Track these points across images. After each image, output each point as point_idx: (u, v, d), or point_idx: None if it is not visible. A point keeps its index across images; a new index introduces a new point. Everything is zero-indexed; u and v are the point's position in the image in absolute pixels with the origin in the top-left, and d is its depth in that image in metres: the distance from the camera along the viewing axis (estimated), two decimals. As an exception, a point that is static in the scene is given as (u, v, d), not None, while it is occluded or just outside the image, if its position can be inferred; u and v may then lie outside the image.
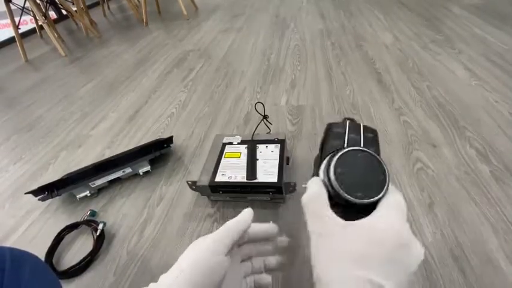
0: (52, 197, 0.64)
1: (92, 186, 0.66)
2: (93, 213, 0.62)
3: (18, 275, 0.31)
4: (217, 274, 0.23)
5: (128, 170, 0.68)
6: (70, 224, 0.59)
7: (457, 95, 0.82)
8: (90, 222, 0.59)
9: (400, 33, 1.25)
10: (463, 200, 0.54)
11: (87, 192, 0.66)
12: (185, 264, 0.22)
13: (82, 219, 0.60)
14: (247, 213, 0.27)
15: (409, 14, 1.44)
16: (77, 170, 0.67)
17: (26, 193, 0.63)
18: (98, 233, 0.56)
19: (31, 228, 0.64)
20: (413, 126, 0.73)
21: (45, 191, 0.64)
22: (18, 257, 0.33)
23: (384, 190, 0.24)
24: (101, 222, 0.58)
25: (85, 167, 0.67)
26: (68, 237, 0.59)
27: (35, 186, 0.64)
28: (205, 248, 0.23)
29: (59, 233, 0.58)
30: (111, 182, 0.69)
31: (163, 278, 0.23)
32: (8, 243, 0.60)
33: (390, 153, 0.66)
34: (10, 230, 0.64)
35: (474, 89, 0.84)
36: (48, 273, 0.36)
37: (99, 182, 0.66)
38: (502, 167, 0.59)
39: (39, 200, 0.63)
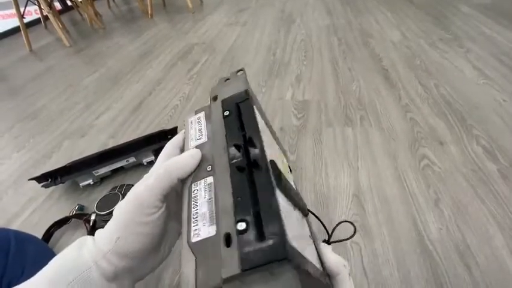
0: (55, 184, 0.63)
1: (96, 174, 0.66)
2: (82, 208, 0.61)
3: (22, 256, 0.31)
4: (156, 228, 0.19)
5: (132, 160, 0.68)
6: (59, 220, 0.58)
7: (464, 94, 0.81)
8: (81, 215, 0.58)
9: (408, 31, 1.24)
10: (469, 198, 0.54)
11: (91, 181, 0.66)
12: (116, 230, 0.19)
13: (71, 214, 0.59)
14: (191, 156, 0.19)
15: (417, 12, 1.43)
16: (81, 158, 0.67)
17: (29, 179, 0.63)
18: (91, 224, 0.55)
19: (34, 215, 0.64)
20: (420, 123, 0.73)
21: (49, 178, 0.64)
22: (23, 240, 0.33)
23: None
24: (92, 212, 0.57)
25: (89, 155, 0.67)
26: (59, 232, 0.58)
27: (38, 174, 0.64)
28: (134, 205, 0.19)
29: (48, 230, 0.56)
30: (115, 171, 0.69)
31: (99, 241, 0.19)
32: (11, 229, 0.60)
33: (396, 150, 0.66)
34: (13, 216, 0.64)
35: (482, 88, 0.83)
36: (51, 255, 0.36)
37: (103, 170, 0.66)
38: (509, 165, 0.59)
39: (42, 186, 0.63)
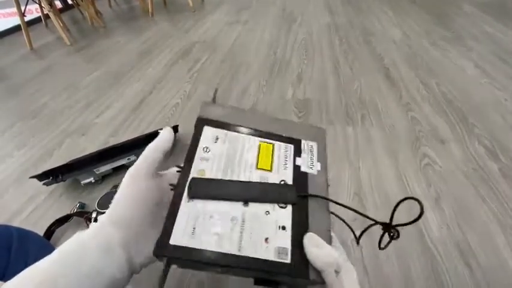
0: (57, 182, 0.63)
1: (97, 172, 0.66)
2: (83, 206, 0.62)
3: (24, 252, 0.31)
4: (147, 200, 0.23)
5: (133, 158, 0.68)
6: (60, 217, 0.58)
7: (466, 93, 0.81)
8: (82, 213, 0.58)
9: (409, 30, 1.23)
10: (470, 196, 0.54)
11: (92, 179, 0.66)
12: (115, 199, 0.23)
13: (72, 212, 0.59)
14: (166, 132, 0.26)
15: (419, 11, 1.42)
16: (82, 156, 0.67)
17: (30, 177, 0.63)
18: (92, 221, 0.55)
19: (35, 213, 0.64)
20: (421, 122, 0.73)
21: (50, 176, 0.64)
22: (24, 236, 0.33)
23: None
24: (93, 210, 0.57)
25: (90, 153, 0.67)
26: (60, 230, 0.58)
27: (39, 172, 0.64)
28: (128, 178, 0.23)
29: (49, 227, 0.56)
30: (116, 169, 0.69)
31: (100, 217, 0.23)
32: (12, 227, 0.60)
33: (397, 149, 0.66)
34: (14, 213, 0.64)
35: (484, 87, 0.83)
36: (53, 251, 0.36)
37: (104, 168, 0.66)
38: (511, 164, 0.58)
39: (43, 184, 0.63)
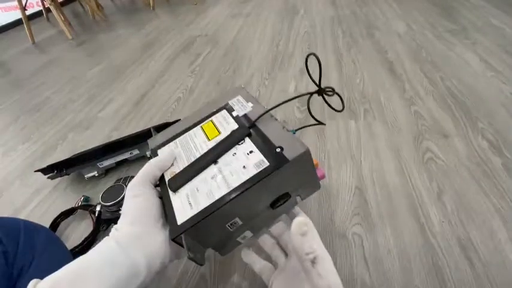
0: (61, 176, 0.64)
1: (100, 166, 0.66)
2: (87, 199, 0.62)
3: (32, 244, 0.32)
4: (144, 202, 0.27)
5: (136, 152, 0.68)
6: (65, 210, 0.59)
7: (471, 87, 0.80)
8: (86, 206, 0.59)
9: (414, 22, 1.21)
10: (473, 191, 0.53)
11: (95, 173, 0.67)
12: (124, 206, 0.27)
13: (76, 205, 0.60)
14: (165, 153, 0.31)
15: (424, 3, 1.40)
16: (86, 150, 0.67)
17: (35, 171, 0.64)
18: (96, 215, 0.56)
19: (40, 206, 0.65)
20: (424, 116, 0.72)
21: (55, 170, 0.64)
22: (32, 228, 0.34)
23: None
24: (98, 203, 0.58)
25: (94, 148, 0.67)
26: (65, 223, 0.59)
27: (43, 166, 0.65)
28: (128, 187, 0.28)
29: (55, 220, 0.57)
30: (119, 163, 0.69)
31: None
32: (19, 219, 0.61)
33: (399, 143, 0.65)
34: (20, 207, 0.65)
35: (489, 81, 0.81)
36: (60, 244, 0.37)
37: (107, 162, 0.67)
38: (515, 159, 0.58)
39: (48, 178, 0.64)
